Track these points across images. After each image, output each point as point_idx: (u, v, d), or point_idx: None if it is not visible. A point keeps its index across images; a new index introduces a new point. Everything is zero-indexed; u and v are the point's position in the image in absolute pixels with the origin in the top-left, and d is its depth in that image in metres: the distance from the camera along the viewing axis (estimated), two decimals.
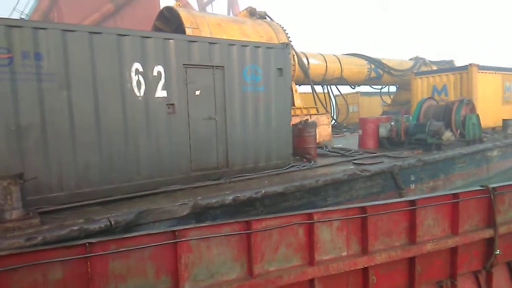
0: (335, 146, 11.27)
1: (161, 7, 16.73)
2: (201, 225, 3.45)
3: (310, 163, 8.42)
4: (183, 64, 6.80)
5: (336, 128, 18.49)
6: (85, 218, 4.82)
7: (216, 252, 3.43)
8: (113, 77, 6.07)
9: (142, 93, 6.37)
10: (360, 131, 11.30)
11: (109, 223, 4.84)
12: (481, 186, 4.66)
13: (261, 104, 7.84)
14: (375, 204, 4.09)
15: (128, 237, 3.27)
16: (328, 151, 10.20)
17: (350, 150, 10.02)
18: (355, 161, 8.51)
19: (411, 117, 11.26)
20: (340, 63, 18.07)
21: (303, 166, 8.12)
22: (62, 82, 5.64)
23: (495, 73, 14.61)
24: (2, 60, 5.22)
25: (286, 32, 14.58)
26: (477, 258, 4.62)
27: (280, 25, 14.97)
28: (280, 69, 8.08)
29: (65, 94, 5.68)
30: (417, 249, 4.13)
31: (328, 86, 19.06)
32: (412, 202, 4.17)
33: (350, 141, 13.10)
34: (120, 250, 3.20)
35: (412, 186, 8.70)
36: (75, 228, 4.59)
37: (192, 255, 3.38)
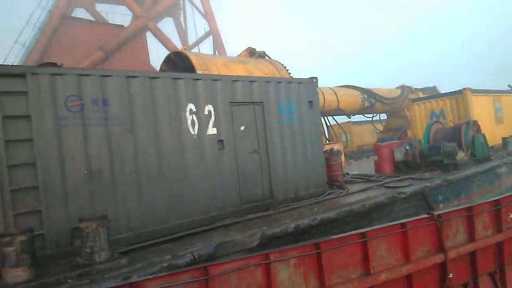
0: (352, 173, 11.68)
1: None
2: (160, 275, 3.43)
3: (344, 189, 8.75)
4: (229, 102, 7.19)
5: None
6: (171, 254, 4.91)
7: None
8: (171, 118, 6.37)
9: (196, 132, 6.66)
10: (376, 157, 11.78)
11: (193, 257, 4.95)
12: (427, 214, 4.92)
13: (297, 135, 8.23)
14: (329, 238, 4.23)
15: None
16: (351, 177, 10.57)
17: (374, 175, 10.44)
18: (386, 185, 8.90)
19: (422, 141, 11.89)
20: (336, 95, 18.96)
21: (340, 193, 8.43)
22: (127, 125, 5.89)
23: (486, 95, 15.71)
24: (74, 107, 5.46)
25: (287, 68, 15.38)
26: (432, 284, 4.77)
27: (280, 63, 15.79)
28: (310, 102, 8.58)
29: (130, 137, 5.91)
30: (372, 279, 4.21)
31: (325, 117, 19.89)
32: (363, 234, 4.32)
33: (362, 167, 13.58)
34: None
35: (441, 206, 9.11)
36: (165, 264, 4.68)
37: None
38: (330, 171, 9.39)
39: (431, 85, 25.21)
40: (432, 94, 21.43)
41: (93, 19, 25.59)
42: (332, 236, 4.44)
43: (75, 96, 5.48)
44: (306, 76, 8.95)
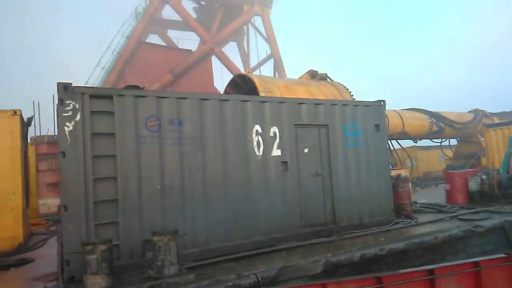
0: (420, 201, 10.99)
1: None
2: None
3: (413, 219, 8.24)
4: (294, 124, 7.24)
5: None
6: (236, 274, 4.97)
7: None
8: (238, 138, 6.57)
9: (261, 153, 6.78)
10: (447, 185, 11.00)
11: (256, 279, 4.96)
12: (505, 253, 4.41)
13: (362, 159, 7.99)
14: (392, 273, 3.98)
15: None
16: (420, 207, 9.95)
17: (445, 206, 9.73)
18: (460, 217, 8.23)
19: (500, 170, 10.89)
20: (401, 118, 18.20)
21: (408, 223, 7.96)
22: (198, 145, 6.19)
23: None
24: (153, 127, 5.87)
25: (349, 91, 15.10)
26: None
27: (343, 85, 15.56)
28: (377, 125, 8.31)
29: (200, 156, 6.19)
30: None
31: (389, 140, 19.09)
32: (431, 271, 4.00)
33: (430, 196, 12.73)
34: None
35: None
36: (230, 284, 4.75)
37: None
38: (397, 198, 8.93)
39: (508, 110, 23.23)
40: (509, 119, 19.70)
41: (165, 44, 27.62)
42: (400, 270, 4.21)
43: (154, 116, 5.90)
44: (368, 98, 8.73)
